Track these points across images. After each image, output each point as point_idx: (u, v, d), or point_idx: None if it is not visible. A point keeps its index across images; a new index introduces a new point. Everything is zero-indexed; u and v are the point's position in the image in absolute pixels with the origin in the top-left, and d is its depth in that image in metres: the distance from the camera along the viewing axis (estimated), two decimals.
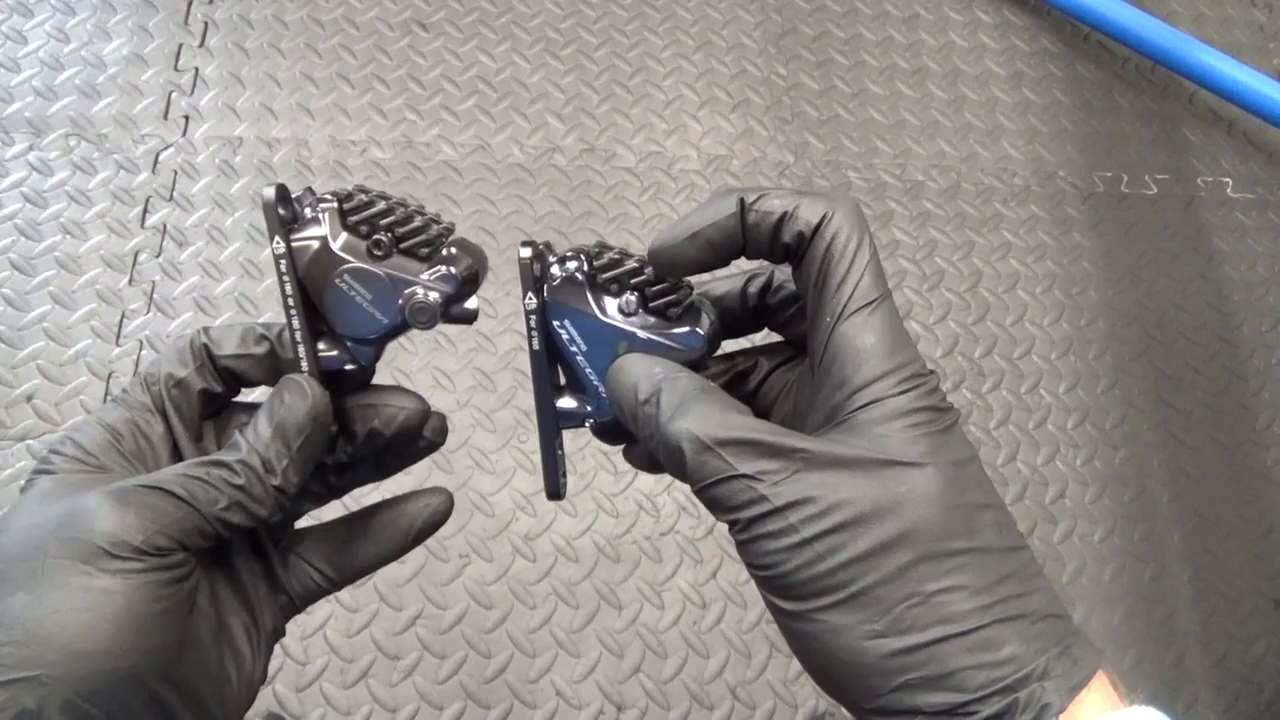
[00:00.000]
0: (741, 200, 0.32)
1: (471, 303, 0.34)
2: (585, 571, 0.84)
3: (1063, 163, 1.07)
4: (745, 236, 0.32)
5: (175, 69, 1.02)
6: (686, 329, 0.33)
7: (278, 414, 0.33)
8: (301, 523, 0.38)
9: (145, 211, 0.95)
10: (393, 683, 0.78)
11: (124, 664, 0.28)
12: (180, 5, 1.05)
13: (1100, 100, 1.11)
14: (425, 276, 0.33)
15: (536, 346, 0.34)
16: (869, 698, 0.28)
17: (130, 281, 0.92)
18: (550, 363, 0.35)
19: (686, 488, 0.85)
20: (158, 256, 0.93)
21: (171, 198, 0.96)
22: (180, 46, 1.03)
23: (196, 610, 0.32)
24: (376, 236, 0.32)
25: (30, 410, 0.86)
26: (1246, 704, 0.84)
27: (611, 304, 0.34)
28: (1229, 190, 1.08)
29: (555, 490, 0.37)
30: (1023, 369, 0.96)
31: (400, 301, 0.33)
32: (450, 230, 0.34)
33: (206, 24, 1.05)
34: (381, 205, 0.33)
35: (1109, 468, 0.92)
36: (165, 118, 1.00)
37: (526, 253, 0.33)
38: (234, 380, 0.35)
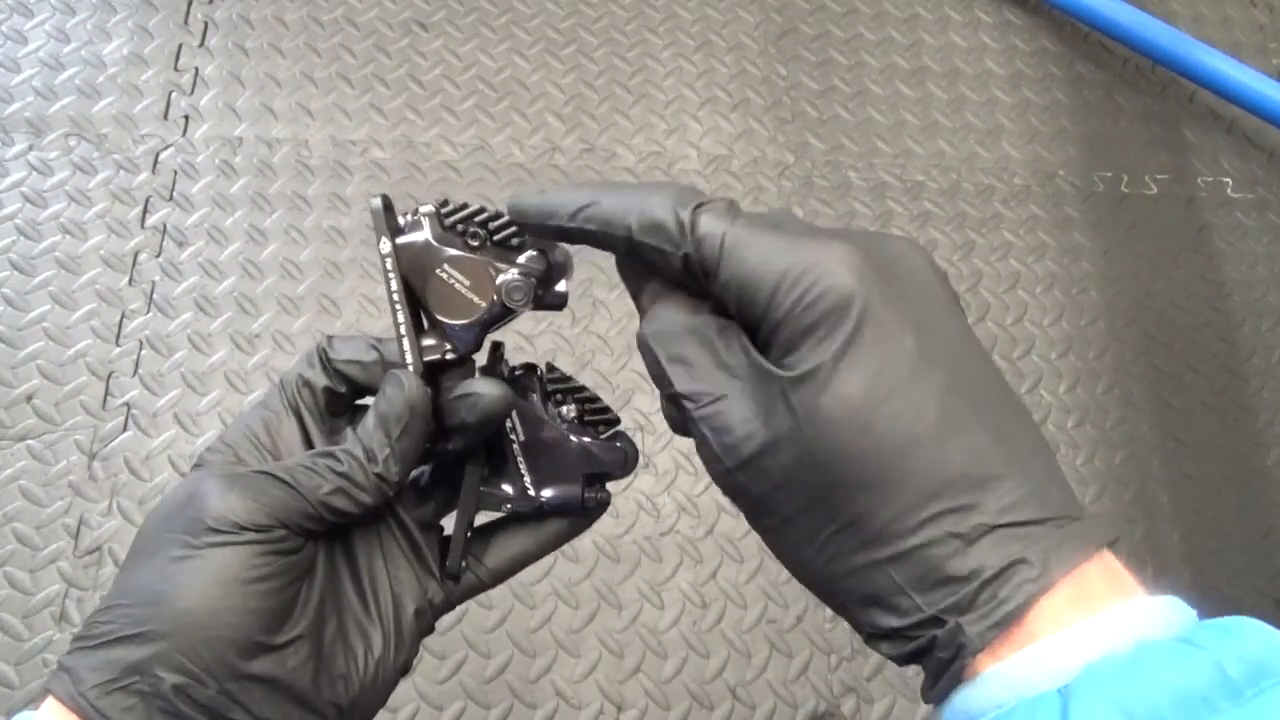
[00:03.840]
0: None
1: (562, 286, 0.37)
2: (585, 571, 0.84)
3: (1063, 163, 1.07)
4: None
5: (175, 69, 1.02)
6: (614, 444, 0.40)
7: (379, 406, 0.36)
8: None
9: (145, 211, 0.95)
10: None
11: (219, 622, 0.31)
12: (180, 5, 1.05)
13: (1100, 100, 1.11)
14: (520, 259, 0.36)
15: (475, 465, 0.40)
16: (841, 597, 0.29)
17: (130, 281, 0.92)
18: (487, 450, 0.40)
19: (685, 488, 0.85)
20: (157, 256, 0.93)
21: (171, 198, 0.96)
22: (180, 46, 1.03)
23: (309, 590, 0.34)
24: (473, 229, 0.36)
25: (30, 410, 0.86)
26: None
27: (553, 409, 0.40)
28: (1229, 190, 1.07)
29: (455, 572, 0.39)
30: (1023, 369, 0.96)
31: (498, 282, 0.36)
32: None
33: (206, 24, 1.05)
34: (474, 207, 0.37)
35: (1109, 468, 0.92)
36: (165, 118, 1.00)
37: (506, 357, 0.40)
38: (349, 384, 0.38)
